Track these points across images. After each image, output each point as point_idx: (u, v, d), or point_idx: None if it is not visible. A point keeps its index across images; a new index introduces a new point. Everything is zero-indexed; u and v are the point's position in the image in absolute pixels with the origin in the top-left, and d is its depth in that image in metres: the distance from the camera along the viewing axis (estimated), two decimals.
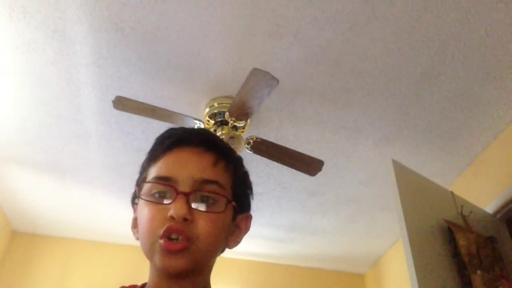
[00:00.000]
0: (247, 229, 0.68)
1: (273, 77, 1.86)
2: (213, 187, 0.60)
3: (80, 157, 2.81)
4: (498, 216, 2.34)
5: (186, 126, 2.27)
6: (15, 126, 2.58)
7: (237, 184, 0.65)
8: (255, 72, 1.85)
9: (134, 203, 0.65)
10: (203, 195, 0.59)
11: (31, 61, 2.13)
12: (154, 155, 0.64)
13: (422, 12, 1.83)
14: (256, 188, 3.04)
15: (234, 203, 0.63)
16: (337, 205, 3.23)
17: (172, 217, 0.56)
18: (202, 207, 0.58)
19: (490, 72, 2.09)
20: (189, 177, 0.59)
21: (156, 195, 0.59)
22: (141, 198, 0.60)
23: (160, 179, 0.60)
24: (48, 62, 2.13)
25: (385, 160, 2.61)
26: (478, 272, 1.78)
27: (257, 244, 3.88)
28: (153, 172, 0.62)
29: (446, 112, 2.34)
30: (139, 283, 0.65)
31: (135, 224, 0.64)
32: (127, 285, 0.65)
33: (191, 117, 2.22)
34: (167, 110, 2.16)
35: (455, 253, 1.84)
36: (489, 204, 2.38)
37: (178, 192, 0.58)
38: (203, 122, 2.27)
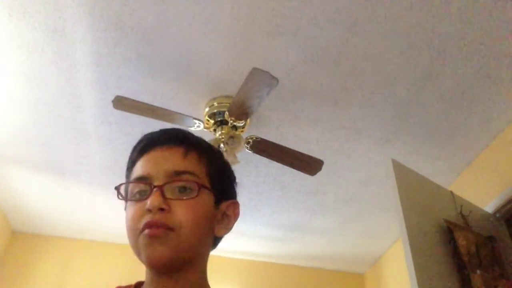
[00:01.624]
0: (236, 215, 0.70)
1: (273, 77, 1.86)
2: (186, 177, 0.63)
3: (79, 156, 2.81)
4: (497, 215, 2.34)
5: (186, 125, 2.27)
6: (14, 126, 2.58)
7: (214, 173, 0.68)
8: (255, 71, 1.85)
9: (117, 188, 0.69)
10: (179, 185, 0.63)
11: (31, 60, 2.13)
12: (131, 161, 0.69)
13: (422, 12, 1.83)
14: (255, 188, 3.05)
15: (212, 189, 0.66)
16: (336, 204, 3.23)
17: (149, 210, 0.59)
18: (178, 196, 0.62)
19: (490, 72, 2.09)
20: (162, 171, 0.63)
21: (137, 195, 0.64)
22: (122, 199, 0.66)
23: (137, 179, 0.65)
24: (48, 62, 2.13)
25: (385, 159, 2.61)
26: (478, 271, 1.79)
27: (257, 243, 3.88)
28: (132, 175, 0.67)
29: (445, 112, 2.34)
30: (133, 282, 0.67)
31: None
32: (123, 284, 0.67)
33: (191, 116, 2.22)
34: (166, 109, 2.16)
35: (455, 253, 1.84)
36: (488, 203, 2.38)
37: (152, 187, 0.62)
38: (202, 122, 2.27)
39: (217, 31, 1.95)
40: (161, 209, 0.59)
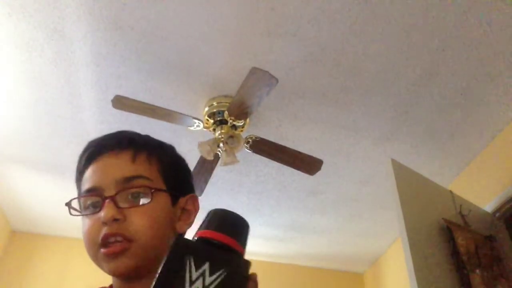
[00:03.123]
0: (196, 209, 0.69)
1: (272, 76, 1.86)
2: (137, 182, 0.61)
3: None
4: (497, 215, 2.34)
5: (185, 125, 2.27)
6: (14, 125, 2.58)
7: (166, 171, 0.66)
8: (254, 71, 1.85)
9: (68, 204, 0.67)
10: (131, 192, 0.61)
11: (30, 60, 2.13)
12: (79, 171, 0.66)
13: (422, 12, 1.83)
14: (255, 188, 3.05)
15: (167, 189, 0.64)
16: (336, 204, 3.23)
17: (104, 222, 0.58)
18: (132, 204, 0.60)
19: (490, 72, 2.09)
20: (112, 180, 0.61)
21: (91, 207, 0.62)
22: (74, 215, 0.63)
23: (88, 192, 0.62)
24: (47, 62, 2.13)
25: (384, 159, 2.61)
26: (477, 271, 1.79)
27: (257, 243, 3.88)
28: (82, 186, 0.64)
29: (445, 112, 2.34)
30: (107, 284, 0.65)
31: None
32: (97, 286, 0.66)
33: (190, 116, 2.22)
34: (166, 109, 2.16)
35: (454, 252, 1.85)
36: (488, 203, 2.38)
37: (103, 198, 0.60)
38: (202, 121, 2.27)
39: (217, 31, 1.95)
40: (116, 220, 0.58)
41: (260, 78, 1.87)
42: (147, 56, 2.09)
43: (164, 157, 0.67)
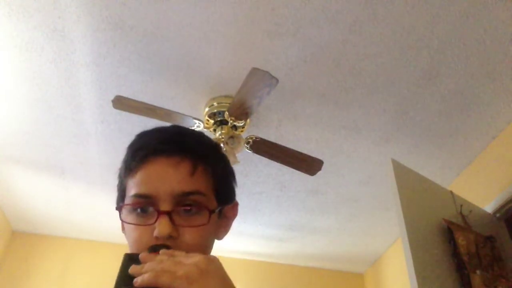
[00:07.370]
0: (234, 215, 0.68)
1: (273, 77, 1.86)
2: (194, 197, 0.59)
3: (79, 156, 2.81)
4: (497, 215, 2.34)
5: (186, 125, 2.26)
6: (14, 125, 2.58)
7: (219, 183, 0.64)
8: (255, 71, 1.85)
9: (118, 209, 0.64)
10: (186, 208, 0.59)
11: (30, 60, 2.13)
12: (129, 167, 0.63)
13: (422, 12, 1.83)
14: (255, 188, 3.05)
15: (218, 204, 0.63)
16: (336, 204, 3.23)
17: (157, 238, 0.56)
18: (186, 221, 0.58)
19: (490, 72, 2.09)
20: (169, 192, 0.58)
21: (139, 210, 0.59)
22: (125, 222, 0.61)
23: (140, 197, 0.59)
24: (47, 61, 2.13)
25: (385, 159, 2.61)
26: (478, 271, 1.79)
27: (257, 243, 3.88)
28: (132, 187, 0.61)
29: (445, 112, 2.34)
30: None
31: (123, 228, 0.65)
32: None
33: (191, 116, 2.22)
34: (166, 109, 2.16)
35: (455, 253, 1.85)
36: (488, 203, 2.38)
37: (160, 212, 0.57)
38: (202, 122, 2.27)
39: (217, 31, 1.95)
40: (170, 237, 0.57)
41: (260, 78, 1.87)
42: (147, 56, 2.09)
43: (217, 168, 0.65)
